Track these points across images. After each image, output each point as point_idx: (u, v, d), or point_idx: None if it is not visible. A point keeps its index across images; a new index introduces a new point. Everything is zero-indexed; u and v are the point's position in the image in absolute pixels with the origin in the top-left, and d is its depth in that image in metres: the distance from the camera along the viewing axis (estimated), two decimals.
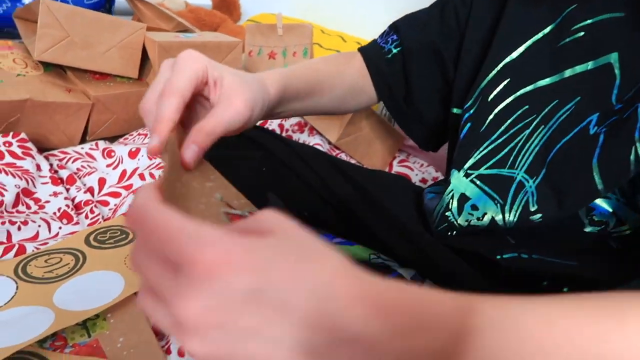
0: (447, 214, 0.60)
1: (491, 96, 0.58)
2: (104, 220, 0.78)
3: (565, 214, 0.49)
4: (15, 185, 0.75)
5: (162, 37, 0.97)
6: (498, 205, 0.55)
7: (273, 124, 1.09)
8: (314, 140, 1.06)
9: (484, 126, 0.58)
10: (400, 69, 0.70)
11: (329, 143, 1.08)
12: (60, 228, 0.74)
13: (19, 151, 0.78)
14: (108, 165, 0.89)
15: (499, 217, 0.55)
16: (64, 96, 0.88)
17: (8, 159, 0.77)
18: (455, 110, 0.67)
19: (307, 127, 1.08)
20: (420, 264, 0.63)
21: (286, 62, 1.34)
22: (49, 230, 0.73)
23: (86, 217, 0.79)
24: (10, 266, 0.60)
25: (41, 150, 0.88)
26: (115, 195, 0.84)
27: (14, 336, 0.48)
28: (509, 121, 0.56)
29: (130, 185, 0.85)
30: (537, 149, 0.53)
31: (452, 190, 0.60)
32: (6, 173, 0.75)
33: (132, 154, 0.89)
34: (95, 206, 0.80)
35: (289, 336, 0.21)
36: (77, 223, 0.76)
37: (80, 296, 0.55)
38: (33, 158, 0.80)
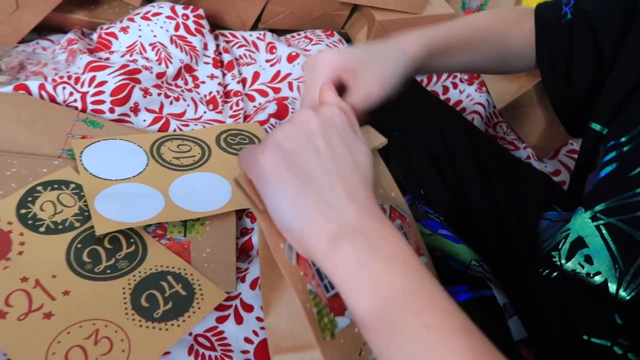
0: (553, 253, 0.51)
1: None
2: (244, 118, 0.81)
3: None
4: (180, 60, 0.80)
5: None
6: (617, 270, 0.45)
7: None
8: (478, 99, 0.95)
9: (635, 171, 0.46)
10: (567, 39, 0.58)
11: (494, 107, 0.96)
12: (205, 112, 0.79)
13: (192, 26, 0.82)
14: (267, 61, 0.90)
15: (612, 286, 0.46)
16: None
17: (182, 31, 0.81)
18: (594, 126, 0.54)
19: (477, 81, 0.97)
20: (516, 297, 0.56)
21: None
22: (195, 112, 0.78)
23: (231, 107, 0.82)
24: (149, 141, 0.66)
25: (214, 27, 0.91)
26: (263, 93, 0.86)
27: (128, 210, 0.55)
28: None
29: (279, 89, 0.86)
30: None
31: (568, 229, 0.50)
32: (176, 45, 0.80)
33: (291, 58, 0.88)
34: (242, 100, 0.83)
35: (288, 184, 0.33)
36: (220, 112, 0.80)
37: (191, 195, 0.59)
38: (203, 36, 0.84)
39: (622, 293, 0.45)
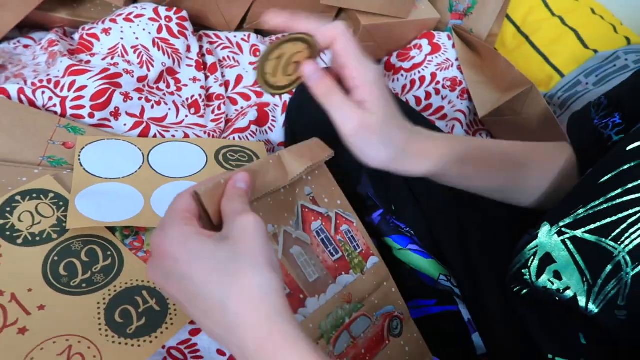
0: (523, 271, 0.52)
1: (631, 146, 0.45)
2: (226, 121, 0.82)
3: None
4: (162, 63, 0.80)
5: None
6: (586, 283, 0.46)
7: (426, 70, 1.00)
8: (459, 106, 0.96)
9: (605, 178, 0.46)
10: None
11: (475, 114, 0.97)
12: (186, 116, 0.79)
13: (175, 29, 0.82)
14: (250, 64, 0.90)
15: (582, 299, 0.47)
16: None
17: (164, 34, 0.81)
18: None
19: (460, 88, 0.98)
20: (480, 313, 0.58)
21: None
22: (176, 116, 0.78)
23: (212, 112, 0.83)
24: (149, 146, 0.67)
25: (198, 27, 0.91)
26: (246, 97, 0.87)
27: (104, 210, 0.55)
28: (635, 183, 0.44)
29: (262, 94, 0.86)
30: None
31: (536, 246, 0.51)
32: (158, 48, 0.80)
33: None
34: (224, 103, 0.84)
35: (191, 312, 0.35)
36: (202, 116, 0.80)
37: None
38: (186, 38, 0.83)
39: (590, 306, 0.46)
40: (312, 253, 0.49)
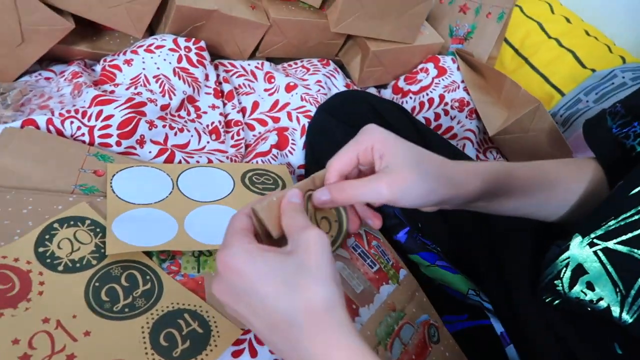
0: (556, 282, 0.52)
1: None
2: (245, 147, 0.83)
3: None
4: (183, 92, 0.82)
5: None
6: (619, 294, 0.47)
7: (434, 92, 1.03)
8: (468, 125, 0.99)
9: (636, 190, 0.47)
10: None
11: (484, 133, 1.00)
12: (208, 142, 0.80)
13: (194, 58, 0.84)
14: (265, 90, 0.93)
15: (615, 309, 0.47)
16: (248, 12, 0.90)
17: (184, 63, 0.83)
18: None
19: (468, 108, 1.01)
20: (512, 326, 0.59)
21: (476, 21, 1.22)
22: (199, 142, 0.80)
23: (232, 137, 0.84)
24: (177, 171, 0.68)
25: (213, 56, 0.93)
26: (263, 122, 0.89)
27: (141, 235, 0.56)
28: None
29: (278, 119, 0.88)
30: None
31: (568, 258, 0.51)
32: (179, 77, 0.82)
33: (289, 88, 0.90)
34: (243, 129, 0.85)
35: (255, 326, 0.36)
36: (222, 142, 0.82)
37: (205, 227, 0.61)
38: (204, 67, 0.86)
39: (624, 316, 0.46)
40: (353, 267, 0.51)
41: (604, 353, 0.50)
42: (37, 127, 0.68)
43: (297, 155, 0.83)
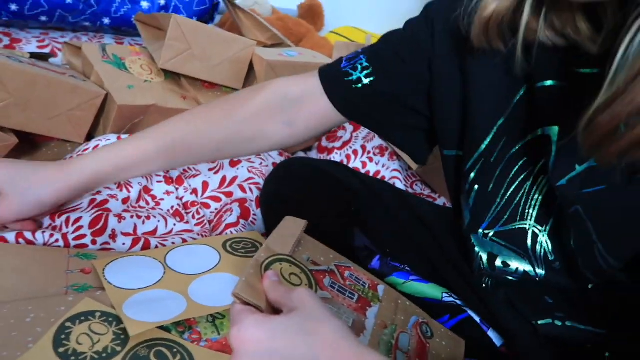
0: (482, 267, 0.64)
1: (493, 158, 0.60)
2: (209, 222, 0.87)
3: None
4: (139, 183, 0.84)
5: (269, 55, 1.05)
6: (525, 258, 0.59)
7: (356, 144, 1.16)
8: (393, 166, 1.12)
9: (492, 185, 0.60)
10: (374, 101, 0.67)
11: (408, 169, 1.14)
12: (174, 225, 0.83)
13: None
14: (210, 170, 0.98)
15: (530, 270, 0.59)
16: (180, 103, 0.97)
17: None
18: (446, 152, 0.67)
19: (388, 152, 1.15)
20: (484, 314, 0.68)
21: None
22: (166, 226, 0.82)
23: (193, 217, 0.87)
24: (162, 254, 0.70)
25: None
26: (216, 199, 0.93)
27: (155, 312, 0.57)
28: (511, 175, 0.58)
29: (231, 193, 0.93)
30: (540, 198, 0.56)
31: (478, 252, 0.63)
32: None
33: (233, 163, 0.97)
34: (200, 208, 0.89)
35: None
36: (187, 222, 0.85)
37: (211, 293, 0.63)
38: None
39: (539, 271, 0.58)
40: (338, 304, 0.57)
41: (539, 305, 0.62)
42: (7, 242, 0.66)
43: (259, 225, 0.89)
